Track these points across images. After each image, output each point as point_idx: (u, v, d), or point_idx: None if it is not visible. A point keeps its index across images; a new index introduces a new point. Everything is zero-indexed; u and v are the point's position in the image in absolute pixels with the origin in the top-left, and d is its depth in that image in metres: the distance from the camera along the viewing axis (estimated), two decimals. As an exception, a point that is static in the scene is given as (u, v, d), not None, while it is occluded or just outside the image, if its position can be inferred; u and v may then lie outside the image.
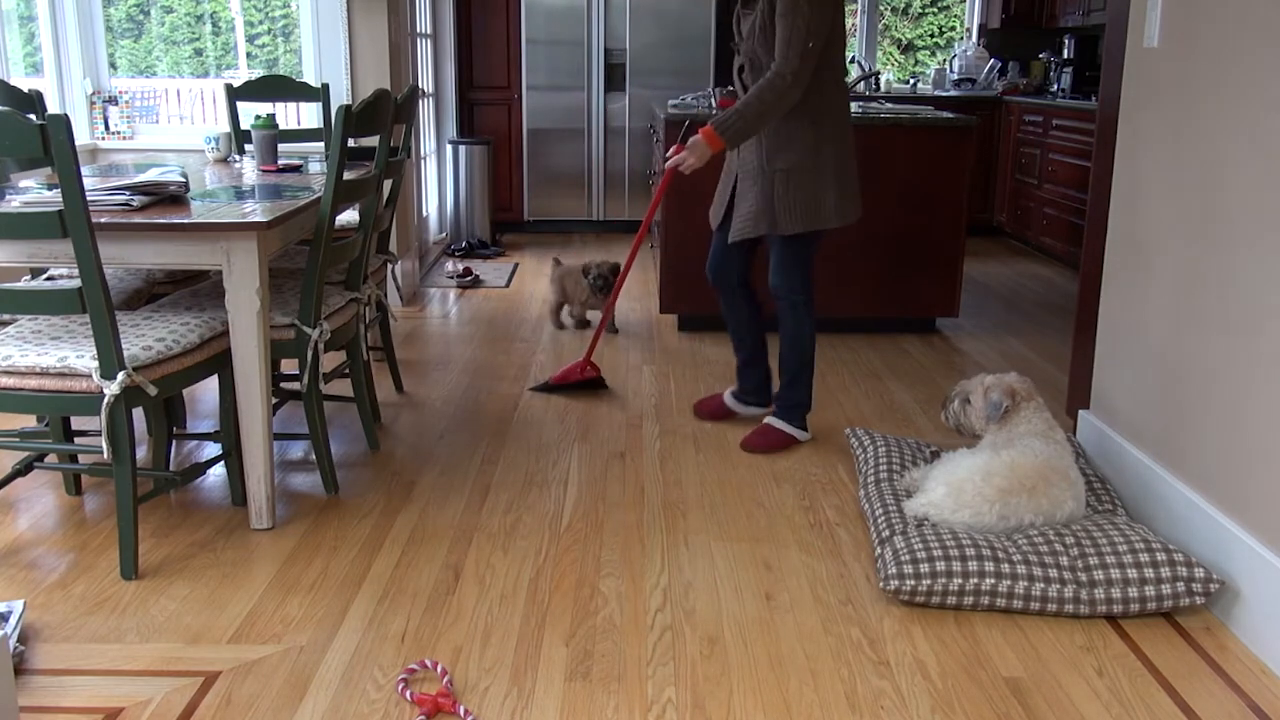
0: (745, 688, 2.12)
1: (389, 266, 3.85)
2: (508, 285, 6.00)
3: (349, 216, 3.70)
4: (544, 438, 3.53)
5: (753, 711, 2.05)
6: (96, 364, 2.41)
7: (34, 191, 2.81)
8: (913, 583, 2.40)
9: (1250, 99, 2.37)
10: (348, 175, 2.97)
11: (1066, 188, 6.41)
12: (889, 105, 5.63)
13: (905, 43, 9.39)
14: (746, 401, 3.64)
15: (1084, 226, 3.31)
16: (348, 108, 2.83)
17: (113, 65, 5.40)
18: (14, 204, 2.60)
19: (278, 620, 2.36)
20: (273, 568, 2.60)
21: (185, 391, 3.69)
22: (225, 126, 4.33)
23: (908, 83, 8.31)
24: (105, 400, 2.41)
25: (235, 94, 4.21)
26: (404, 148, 3.72)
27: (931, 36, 9.36)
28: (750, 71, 3.18)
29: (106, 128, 5.27)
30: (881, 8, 8.64)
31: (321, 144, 4.30)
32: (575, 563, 2.65)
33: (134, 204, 2.64)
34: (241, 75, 6.09)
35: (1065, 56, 7.48)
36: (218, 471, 3.18)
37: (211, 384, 3.76)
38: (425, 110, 6.53)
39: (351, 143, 3.07)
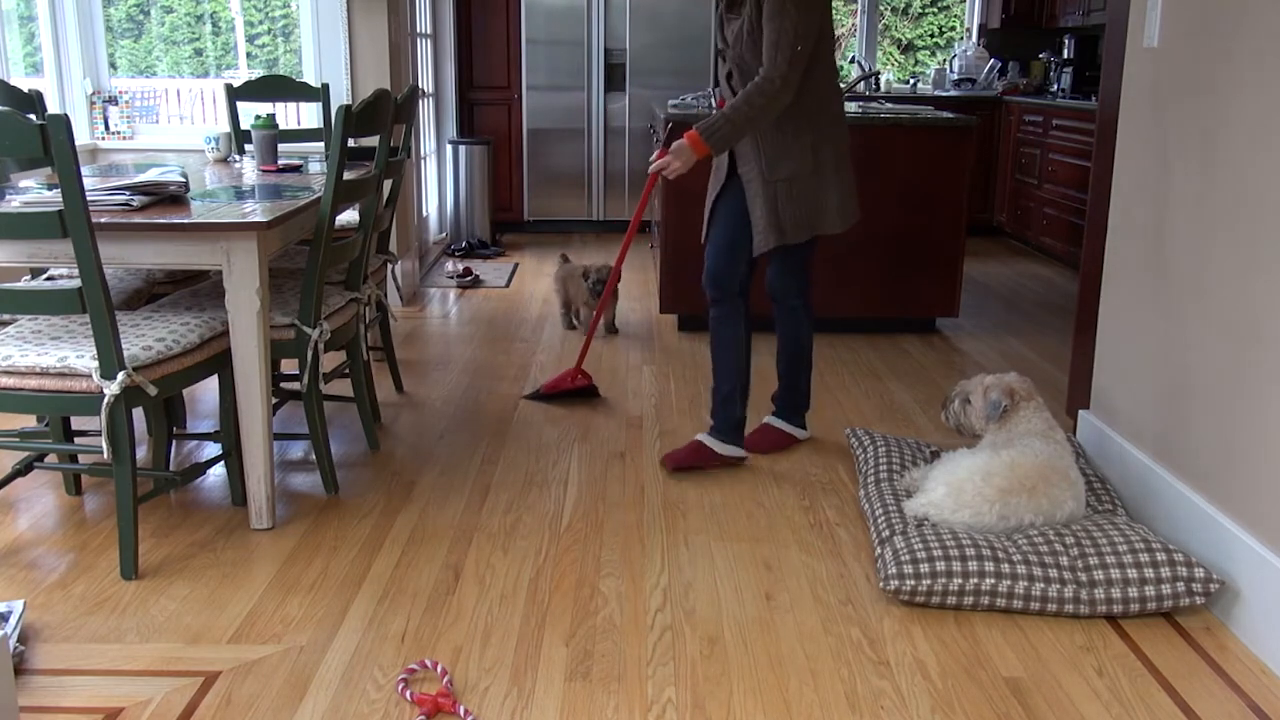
0: (745, 688, 2.12)
1: (389, 266, 3.85)
2: (508, 285, 6.00)
3: (349, 216, 3.70)
4: (544, 438, 3.53)
5: (753, 711, 2.05)
6: (96, 364, 2.41)
7: (34, 191, 2.81)
8: (913, 583, 2.40)
9: (1250, 98, 2.37)
10: (348, 175, 2.97)
11: (1066, 188, 6.41)
12: (889, 105, 5.64)
13: (905, 43, 9.39)
14: (726, 442, 3.24)
15: (1084, 226, 3.31)
16: (348, 108, 2.83)
17: (113, 65, 5.40)
18: (14, 204, 2.61)
19: (278, 620, 2.36)
20: (273, 568, 2.60)
21: (185, 391, 3.69)
22: (225, 126, 4.33)
23: (908, 83, 8.31)
24: (105, 400, 2.41)
25: (235, 94, 4.21)
26: (404, 148, 3.72)
27: (931, 36, 9.36)
28: (739, 77, 3.09)
29: (106, 128, 5.27)
30: (881, 8, 8.64)
31: (321, 144, 4.30)
32: (575, 563, 2.65)
33: (134, 204, 2.64)
34: (241, 75, 6.09)
35: (1065, 56, 7.48)
36: (218, 471, 3.18)
37: (211, 384, 3.76)
38: (425, 110, 6.53)
39: (351, 143, 3.07)
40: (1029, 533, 2.56)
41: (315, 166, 3.59)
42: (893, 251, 4.76)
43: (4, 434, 3.15)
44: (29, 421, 3.35)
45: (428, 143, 6.60)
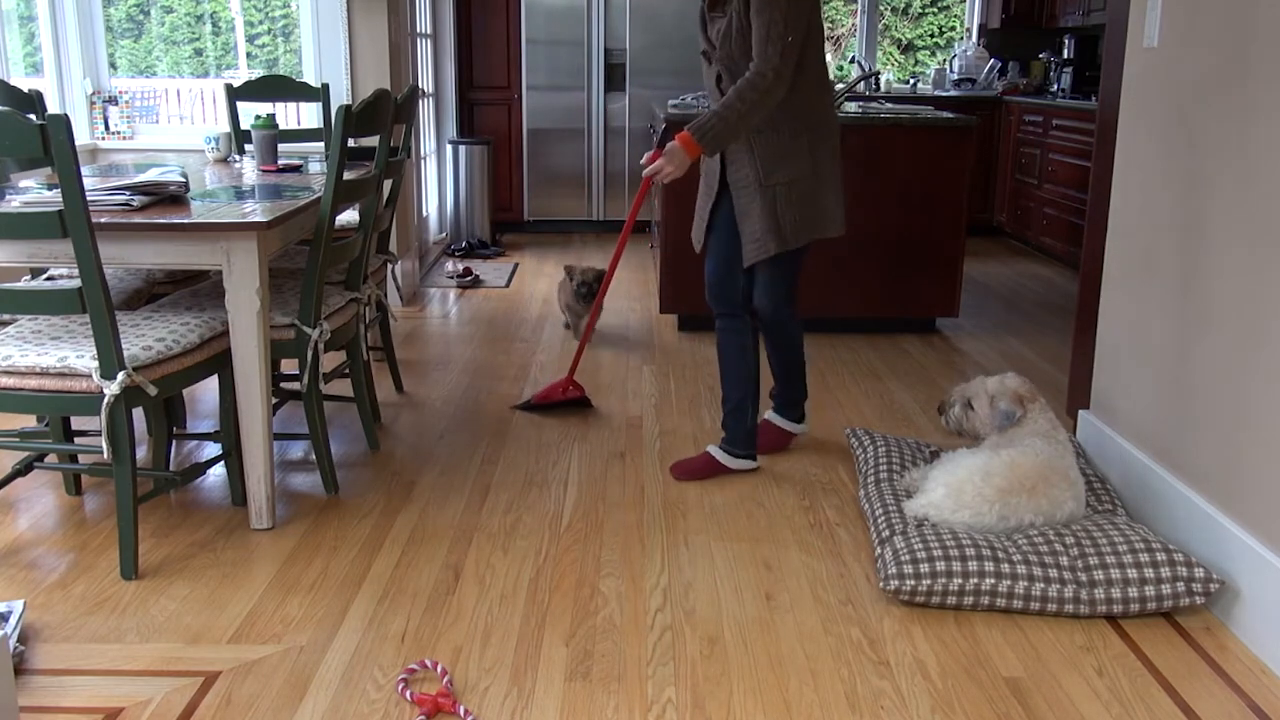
0: (745, 688, 2.12)
1: (389, 266, 3.85)
2: (508, 285, 6.00)
3: (349, 216, 3.70)
4: (544, 438, 3.53)
5: (753, 711, 2.05)
6: (96, 364, 2.41)
7: (34, 191, 2.81)
8: (913, 583, 2.40)
9: (1250, 98, 2.37)
10: (348, 175, 2.97)
11: (1066, 188, 6.41)
12: (889, 105, 5.63)
13: (905, 43, 9.39)
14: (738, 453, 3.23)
15: (1084, 226, 3.31)
16: (348, 108, 2.83)
17: (113, 65, 5.40)
18: (14, 204, 2.61)
19: (278, 620, 2.36)
20: (273, 568, 2.60)
21: (185, 391, 3.69)
22: (225, 126, 4.33)
23: (908, 83, 8.31)
24: (105, 400, 2.41)
25: (235, 94, 4.22)
26: (404, 148, 3.72)
27: (931, 36, 9.36)
28: (729, 79, 2.95)
29: (106, 128, 5.27)
30: (881, 8, 8.64)
31: (321, 144, 4.30)
32: (575, 563, 2.65)
33: (134, 204, 2.64)
34: (241, 75, 6.09)
35: (1065, 56, 7.48)
36: (218, 471, 3.18)
37: (211, 384, 3.76)
38: (425, 110, 6.53)
39: (351, 143, 3.07)
40: (1029, 533, 2.56)
41: (315, 166, 3.59)
42: (893, 251, 4.76)
43: (4, 434, 3.15)
44: (29, 421, 3.35)
45: (428, 143, 6.60)
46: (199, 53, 6.39)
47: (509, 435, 3.55)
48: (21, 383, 2.47)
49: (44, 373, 2.46)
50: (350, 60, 5.03)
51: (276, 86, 4.45)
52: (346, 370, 3.34)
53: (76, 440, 3.02)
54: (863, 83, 7.74)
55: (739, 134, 2.87)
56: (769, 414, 3.41)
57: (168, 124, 5.61)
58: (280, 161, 3.59)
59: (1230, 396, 2.43)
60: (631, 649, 2.26)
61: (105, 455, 2.45)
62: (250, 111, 4.30)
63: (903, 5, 9.25)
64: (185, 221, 2.54)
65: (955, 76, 8.01)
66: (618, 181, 7.61)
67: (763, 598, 2.48)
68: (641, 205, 3.36)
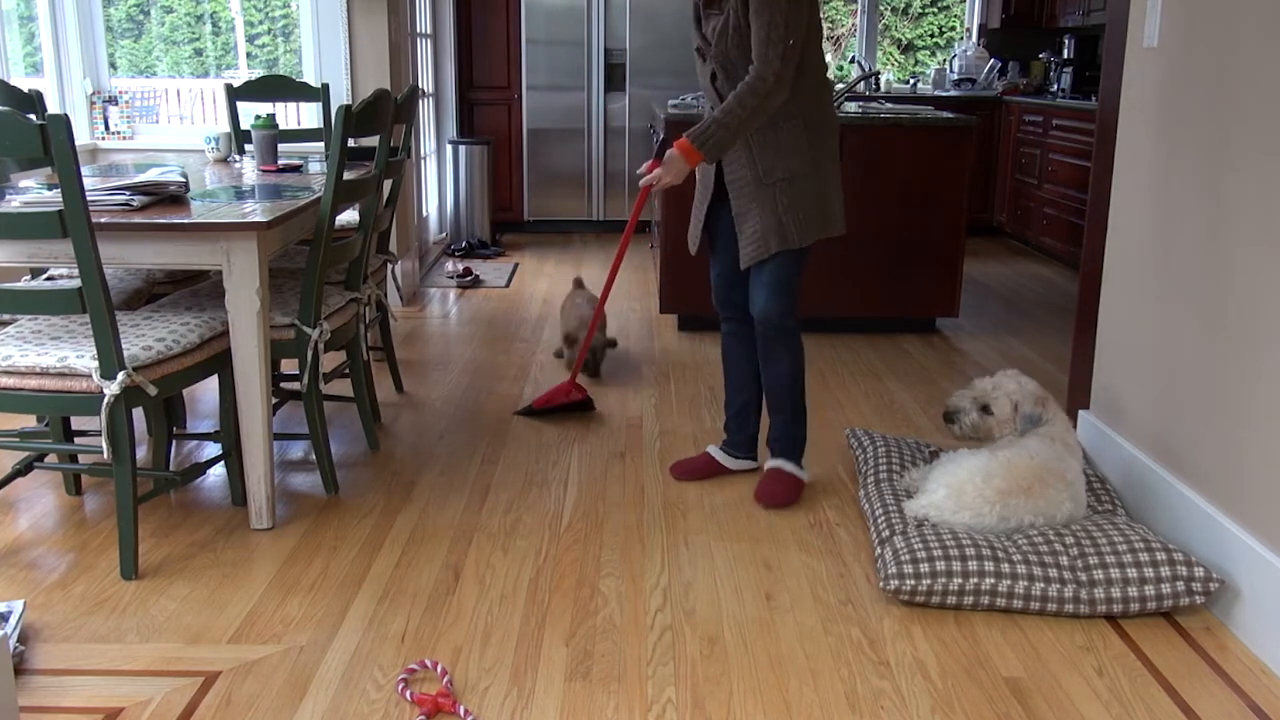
0: (745, 688, 2.12)
1: (389, 266, 3.85)
2: (508, 285, 6.00)
3: (349, 216, 3.70)
4: (544, 438, 3.53)
5: (753, 711, 2.05)
6: (96, 364, 2.41)
7: (34, 191, 2.81)
8: (913, 582, 2.40)
9: (1250, 98, 2.37)
10: (348, 175, 2.97)
11: (1066, 188, 6.41)
12: (889, 105, 5.63)
13: (905, 43, 9.39)
14: (738, 455, 3.23)
15: (1084, 226, 3.31)
16: (348, 108, 2.83)
17: (113, 65, 5.40)
18: (14, 204, 2.61)
19: (278, 620, 2.36)
20: (273, 568, 2.60)
21: (185, 391, 3.69)
22: (225, 126, 4.33)
23: (908, 83, 8.31)
24: (105, 400, 2.41)
25: (235, 94, 4.22)
26: (404, 148, 3.72)
27: (931, 36, 9.36)
28: (724, 78, 2.87)
29: (106, 128, 5.27)
30: (881, 8, 8.64)
31: (321, 144, 4.30)
32: (575, 563, 2.65)
33: (134, 204, 2.64)
34: (241, 75, 6.09)
35: (1065, 56, 7.48)
36: (218, 471, 3.18)
37: (211, 384, 3.76)
38: (425, 110, 6.53)
39: (351, 143, 3.07)
40: (1029, 533, 2.56)
41: (315, 166, 3.59)
42: (893, 251, 4.76)
43: (4, 434, 3.15)
44: (29, 421, 3.35)
45: (428, 143, 6.60)
46: (199, 53, 6.39)
47: (509, 435, 3.55)
48: (21, 383, 2.47)
49: (44, 373, 2.46)
50: (350, 60, 5.03)
51: (276, 86, 4.45)
52: (346, 370, 3.34)
53: (76, 440, 3.02)
54: (863, 83, 7.74)
55: (739, 140, 2.81)
56: (779, 464, 3.08)
57: (168, 124, 5.61)
58: (280, 161, 3.59)
59: (1230, 396, 2.43)
60: (631, 649, 2.26)
61: (105, 455, 2.45)
62: (250, 111, 4.30)
63: (903, 5, 9.25)
64: (185, 221, 2.54)
65: (955, 76, 8.01)
66: (618, 181, 7.61)
67: (763, 598, 2.48)
68: (638, 217, 3.23)
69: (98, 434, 2.51)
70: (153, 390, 2.49)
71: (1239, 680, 2.18)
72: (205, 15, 6.35)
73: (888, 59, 9.26)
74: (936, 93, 7.88)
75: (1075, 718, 2.05)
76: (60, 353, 2.46)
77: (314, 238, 2.81)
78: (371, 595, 2.48)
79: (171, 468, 3.17)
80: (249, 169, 3.56)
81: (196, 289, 3.09)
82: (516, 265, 6.57)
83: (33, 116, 2.55)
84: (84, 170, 2.84)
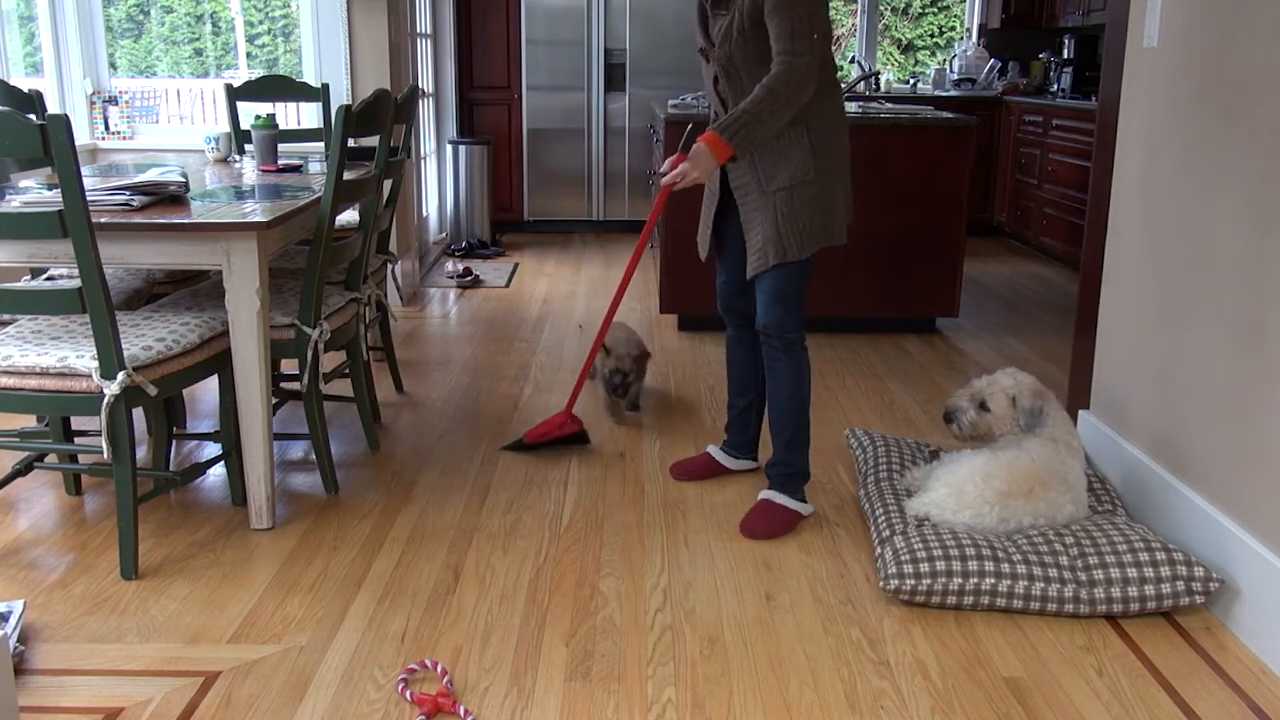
0: (745, 688, 2.12)
1: (389, 266, 3.85)
2: (508, 285, 6.00)
3: (349, 216, 3.70)
4: (544, 438, 3.53)
5: (753, 711, 2.05)
6: (96, 364, 2.41)
7: (34, 191, 2.81)
8: (913, 582, 2.40)
9: (1250, 98, 2.37)
10: (348, 175, 2.97)
11: (1066, 188, 6.41)
12: (889, 105, 5.64)
13: (905, 43, 9.39)
14: (739, 455, 3.20)
15: (1084, 226, 3.31)
16: (348, 108, 2.83)
17: (113, 65, 5.40)
18: (14, 204, 2.61)
19: (278, 620, 2.36)
20: (273, 568, 2.60)
21: (185, 391, 3.69)
22: (225, 126, 4.33)
23: (908, 83, 8.31)
24: (105, 400, 2.41)
25: (235, 94, 4.22)
26: (404, 148, 3.72)
27: (931, 36, 9.36)
28: (726, 82, 2.75)
29: (106, 128, 5.27)
30: (881, 8, 8.64)
31: (321, 144, 4.30)
32: (575, 563, 2.65)
33: (134, 204, 2.64)
34: (241, 75, 6.09)
35: (1065, 56, 7.48)
36: (218, 471, 3.18)
37: (211, 384, 3.76)
38: (425, 110, 6.54)
39: (351, 143, 3.07)
40: (1029, 533, 2.56)
41: (315, 166, 3.59)
42: (893, 251, 4.76)
43: (4, 434, 3.15)
44: (29, 421, 3.35)
45: (428, 143, 6.60)
46: (199, 53, 6.38)
47: (509, 435, 3.55)
48: (21, 383, 2.47)
49: (44, 373, 2.46)
50: (350, 60, 5.04)
51: (276, 86, 4.45)
52: (346, 370, 3.34)
53: (76, 440, 3.02)
54: (863, 83, 7.74)
55: (771, 133, 2.65)
56: (771, 495, 2.93)
57: (168, 124, 5.61)
58: (280, 161, 3.59)
59: (1230, 396, 2.43)
60: (631, 649, 2.26)
61: (105, 455, 2.45)
62: (250, 111, 4.31)
63: (903, 5, 9.25)
64: (185, 221, 2.54)
65: (955, 76, 8.01)
66: (618, 181, 7.61)
67: (763, 598, 2.48)
68: (659, 214, 3.03)
69: (98, 434, 2.51)
70: (153, 390, 2.49)
71: (1239, 680, 2.18)
72: (205, 15, 6.35)
73: (888, 59, 9.26)
74: (936, 93, 7.89)
75: (1075, 718, 2.05)
76: (60, 353, 2.47)
77: (314, 238, 2.81)
78: (371, 595, 2.48)
79: (171, 468, 3.17)
80: (249, 169, 3.56)
81: (196, 289, 3.09)
82: (516, 265, 6.57)
83: (33, 116, 2.55)
84: (84, 170, 2.84)
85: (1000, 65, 7.94)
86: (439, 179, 7.08)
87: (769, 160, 2.74)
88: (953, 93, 7.82)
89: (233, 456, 2.92)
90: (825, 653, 2.25)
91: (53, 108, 4.77)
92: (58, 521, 2.86)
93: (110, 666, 2.16)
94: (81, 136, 5.09)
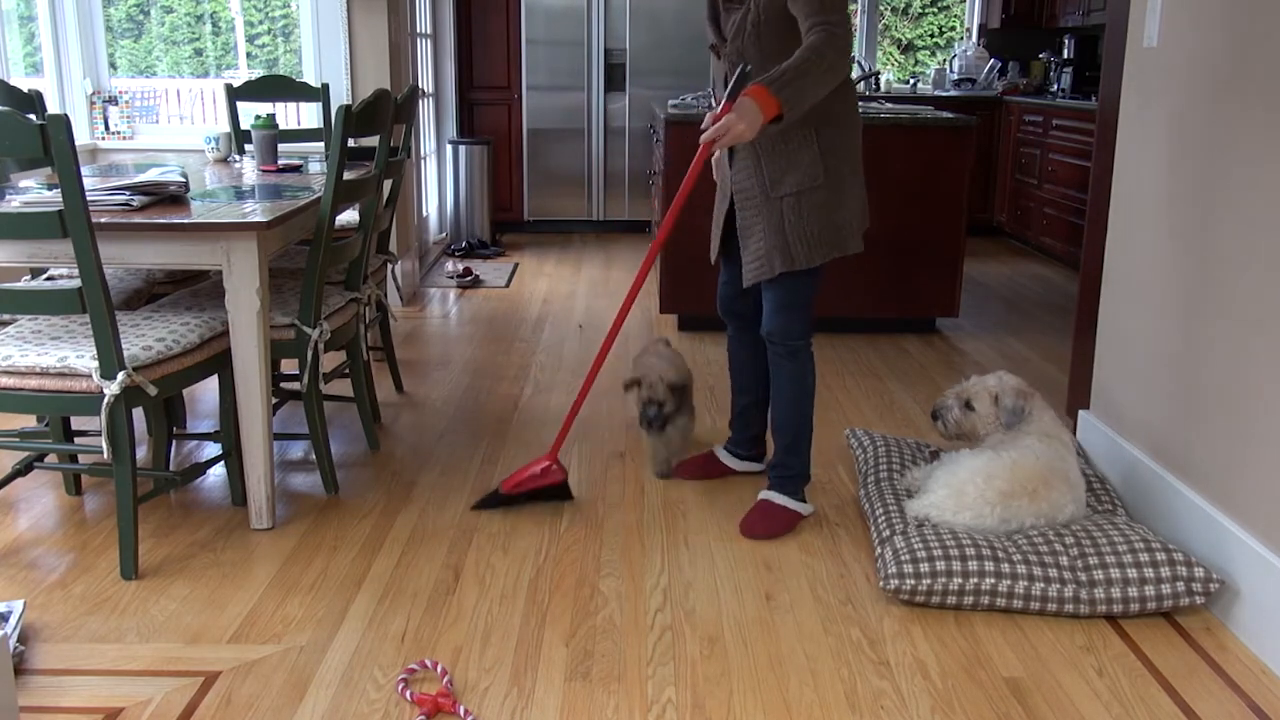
0: (745, 688, 2.12)
1: (389, 266, 3.85)
2: (508, 285, 6.00)
3: (349, 216, 3.70)
4: (544, 438, 3.53)
5: (753, 711, 2.05)
6: (96, 364, 2.41)
7: (34, 191, 2.81)
8: (913, 582, 2.40)
9: (1250, 98, 2.37)
10: (348, 175, 2.97)
11: (1066, 188, 6.41)
12: (889, 105, 5.64)
13: (905, 43, 9.39)
14: (742, 455, 3.18)
15: (1084, 226, 3.31)
16: (348, 108, 2.83)
17: (113, 65, 5.40)
18: (14, 204, 2.61)
19: (278, 620, 2.36)
20: (273, 568, 2.60)
21: (185, 391, 3.69)
22: (225, 126, 4.33)
23: (908, 83, 8.31)
24: (105, 400, 2.41)
25: (235, 94, 4.22)
26: (404, 148, 3.72)
27: (931, 36, 9.36)
28: (738, 80, 2.59)
29: (106, 128, 5.27)
30: (881, 8, 8.64)
31: (321, 144, 4.30)
32: (575, 563, 2.65)
33: (134, 204, 2.64)
34: (241, 75, 6.09)
35: (1065, 56, 7.48)
36: (218, 471, 3.18)
37: (211, 384, 3.76)
38: (425, 110, 6.53)
39: (351, 143, 3.07)
40: (1029, 533, 2.56)
41: (315, 166, 3.59)
42: (893, 251, 4.76)
43: (4, 434, 3.15)
44: (29, 421, 3.35)
45: (428, 143, 6.60)
46: (199, 53, 6.38)
47: (509, 435, 3.55)
48: (21, 383, 2.47)
49: (44, 373, 2.46)
50: (350, 60, 5.04)
51: (276, 86, 4.45)
52: (346, 370, 3.34)
53: (76, 440, 3.02)
54: (863, 83, 7.74)
55: (818, 96, 2.44)
56: (770, 495, 2.90)
57: (168, 124, 5.61)
58: (280, 161, 3.59)
59: (1230, 396, 2.43)
60: (631, 649, 2.26)
61: (105, 455, 2.45)
62: (250, 111, 4.31)
63: (903, 5, 9.25)
64: (185, 221, 2.54)
65: (955, 76, 8.01)
66: (618, 181, 7.61)
67: (763, 598, 2.48)
68: (695, 180, 2.67)
69: (98, 434, 2.51)
70: (153, 390, 2.49)
71: (1239, 680, 2.18)
72: (205, 15, 6.35)
73: (888, 59, 9.26)
74: (936, 93, 7.89)
75: (1075, 718, 2.05)
76: (60, 353, 2.47)
77: (314, 238, 2.81)
78: (371, 595, 2.48)
79: (171, 468, 3.17)
80: (249, 169, 3.56)
81: (196, 289, 3.09)
82: (516, 265, 6.57)
83: (33, 116, 2.55)
84: (84, 170, 2.84)
85: (1000, 65, 7.94)
86: (439, 179, 7.08)
87: (776, 163, 2.65)
88: (953, 93, 7.83)
89: (233, 456, 2.92)
90: (825, 653, 2.25)
91: (53, 108, 4.77)
92: (58, 521, 2.86)
93: (110, 666, 2.16)
94: (81, 136, 5.09)
